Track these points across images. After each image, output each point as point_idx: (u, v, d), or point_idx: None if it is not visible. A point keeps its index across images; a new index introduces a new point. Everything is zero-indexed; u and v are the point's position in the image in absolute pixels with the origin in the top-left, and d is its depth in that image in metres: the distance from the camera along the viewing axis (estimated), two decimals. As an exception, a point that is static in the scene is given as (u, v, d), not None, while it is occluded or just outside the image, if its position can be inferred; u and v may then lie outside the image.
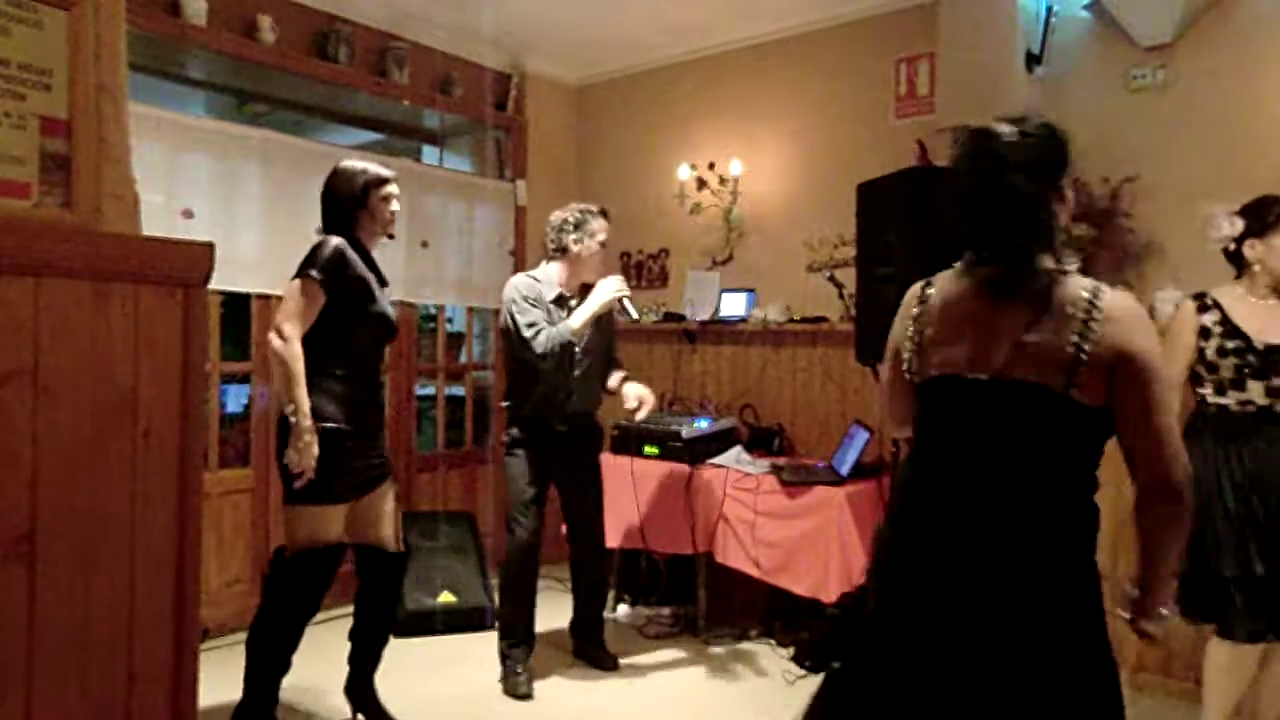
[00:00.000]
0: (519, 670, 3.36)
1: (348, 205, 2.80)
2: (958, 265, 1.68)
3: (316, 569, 2.71)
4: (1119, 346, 1.50)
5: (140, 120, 2.97)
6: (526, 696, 3.30)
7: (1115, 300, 1.54)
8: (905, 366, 1.72)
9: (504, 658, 3.40)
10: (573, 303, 3.39)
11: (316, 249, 2.69)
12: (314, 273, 2.63)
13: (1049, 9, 3.68)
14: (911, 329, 1.71)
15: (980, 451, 1.59)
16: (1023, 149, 1.57)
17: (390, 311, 2.86)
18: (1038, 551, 1.55)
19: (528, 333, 3.22)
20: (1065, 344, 1.51)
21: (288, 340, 2.57)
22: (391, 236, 2.93)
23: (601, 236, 3.39)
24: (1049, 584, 1.55)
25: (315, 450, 2.57)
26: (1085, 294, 1.54)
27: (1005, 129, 1.60)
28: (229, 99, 4.62)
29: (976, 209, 1.61)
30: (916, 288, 1.74)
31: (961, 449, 1.62)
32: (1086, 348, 1.50)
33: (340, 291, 2.67)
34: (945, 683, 1.56)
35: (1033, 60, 3.66)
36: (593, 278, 3.42)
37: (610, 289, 3.32)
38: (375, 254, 2.90)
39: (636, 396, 3.42)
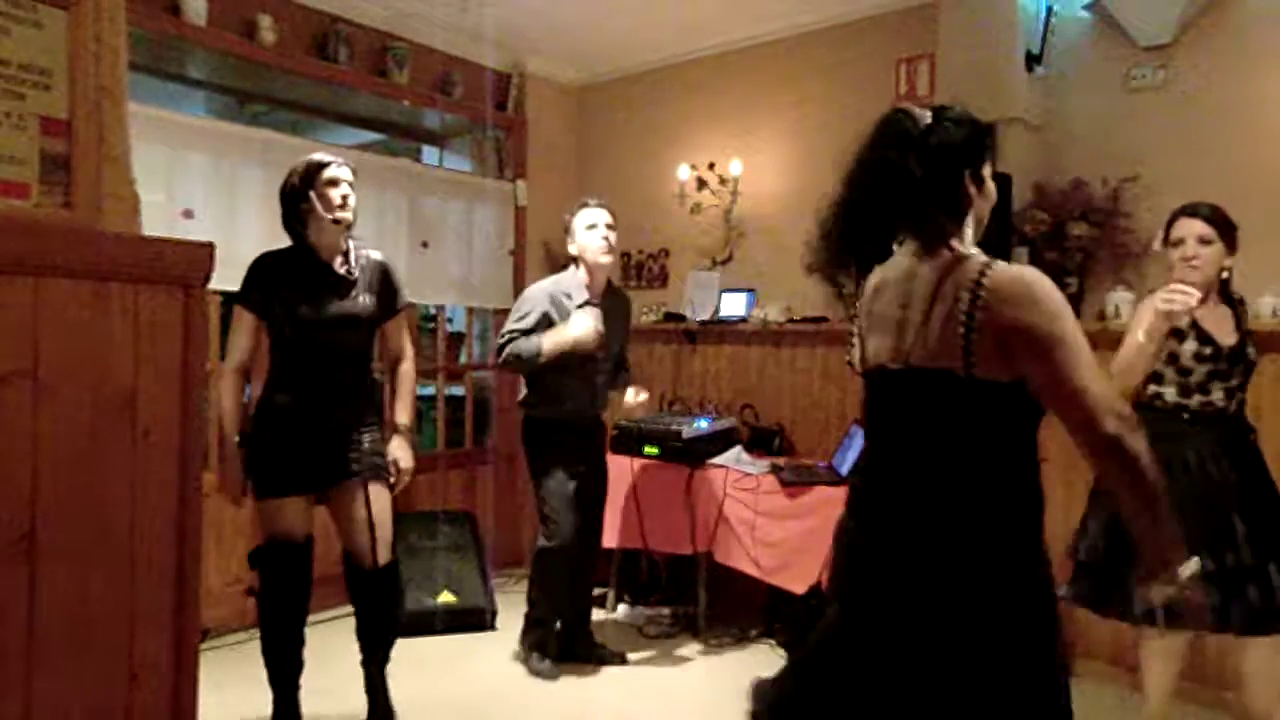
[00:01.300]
0: (545, 657, 3.48)
1: (293, 200, 2.77)
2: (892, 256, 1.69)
3: (272, 557, 2.77)
4: (1004, 322, 1.48)
5: (140, 120, 2.96)
6: (555, 676, 3.43)
7: (1002, 276, 1.50)
8: (848, 358, 1.81)
9: (538, 646, 3.52)
10: (595, 304, 3.44)
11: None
12: (239, 298, 2.78)
13: (1049, 9, 3.69)
14: (856, 320, 1.77)
15: (903, 441, 1.62)
16: (935, 132, 1.58)
17: (326, 313, 2.74)
18: (969, 539, 1.52)
19: (507, 324, 3.42)
20: (956, 326, 1.50)
21: (221, 369, 2.82)
22: (338, 222, 2.75)
23: (588, 223, 3.42)
24: (981, 574, 1.52)
25: (236, 460, 2.74)
26: (974, 273, 1.52)
27: (919, 112, 1.61)
28: (229, 99, 4.62)
29: (885, 188, 1.59)
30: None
31: (888, 440, 1.66)
32: (974, 327, 1.49)
33: (258, 308, 2.75)
34: (883, 670, 1.55)
35: (1033, 60, 3.66)
36: (603, 273, 3.50)
37: (580, 331, 3.29)
38: (373, 253, 2.91)
39: (635, 392, 3.58)
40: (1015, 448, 1.56)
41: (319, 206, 2.73)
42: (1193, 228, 2.58)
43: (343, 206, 2.75)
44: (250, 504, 3.97)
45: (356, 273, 2.83)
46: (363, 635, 2.91)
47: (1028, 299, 1.48)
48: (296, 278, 2.75)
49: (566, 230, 3.49)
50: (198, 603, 1.64)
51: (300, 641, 2.83)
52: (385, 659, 2.95)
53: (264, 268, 2.76)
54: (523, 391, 3.53)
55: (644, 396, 3.62)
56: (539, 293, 3.44)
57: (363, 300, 2.83)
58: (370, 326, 2.87)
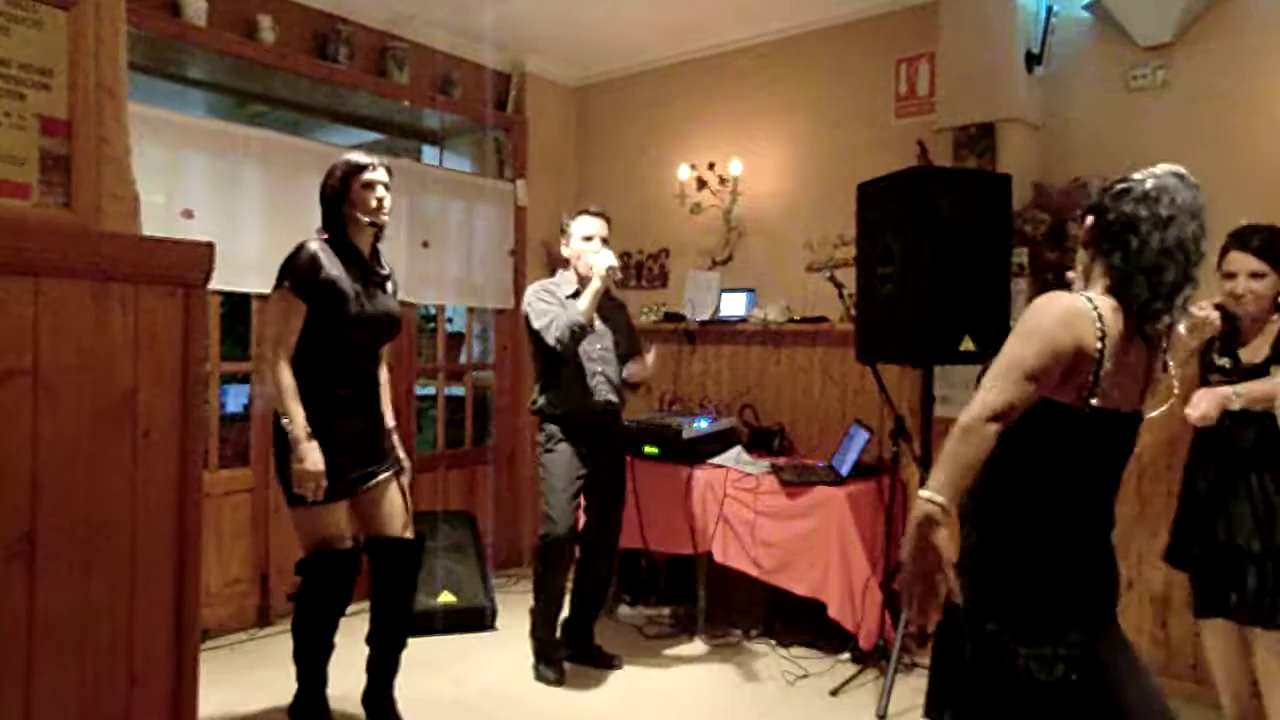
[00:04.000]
0: (554, 656, 3.47)
1: (332, 199, 2.78)
2: (1107, 299, 1.70)
3: (326, 568, 2.76)
4: None
5: (140, 120, 2.96)
6: (560, 682, 3.41)
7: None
8: (1083, 395, 1.67)
9: (539, 653, 3.50)
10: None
11: (290, 257, 2.70)
12: (287, 283, 2.66)
13: (1049, 9, 3.68)
14: (1097, 357, 1.66)
15: (1115, 478, 1.79)
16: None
17: (374, 309, 2.79)
18: None
19: (539, 323, 3.34)
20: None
21: (272, 361, 2.66)
22: (375, 225, 2.81)
23: (585, 232, 3.45)
24: None
25: (315, 461, 2.60)
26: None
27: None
28: (229, 99, 4.61)
29: (1183, 255, 1.70)
30: (1085, 309, 1.68)
31: (1108, 478, 1.78)
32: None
33: (314, 296, 2.67)
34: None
35: (1033, 60, 3.66)
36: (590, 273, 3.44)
37: (601, 264, 3.33)
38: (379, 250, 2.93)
39: (641, 360, 3.58)
40: None
41: (356, 208, 2.77)
42: (1245, 264, 2.51)
43: (379, 210, 2.80)
44: (248, 504, 3.96)
45: (388, 271, 2.92)
46: (378, 627, 2.90)
47: None
48: (347, 272, 2.74)
49: (562, 230, 3.59)
50: (198, 603, 1.64)
51: (333, 641, 2.85)
52: (396, 667, 2.94)
53: (315, 257, 2.68)
54: (532, 396, 3.53)
55: (650, 357, 3.60)
56: (538, 289, 3.48)
57: (396, 299, 2.93)
58: (399, 326, 2.94)
